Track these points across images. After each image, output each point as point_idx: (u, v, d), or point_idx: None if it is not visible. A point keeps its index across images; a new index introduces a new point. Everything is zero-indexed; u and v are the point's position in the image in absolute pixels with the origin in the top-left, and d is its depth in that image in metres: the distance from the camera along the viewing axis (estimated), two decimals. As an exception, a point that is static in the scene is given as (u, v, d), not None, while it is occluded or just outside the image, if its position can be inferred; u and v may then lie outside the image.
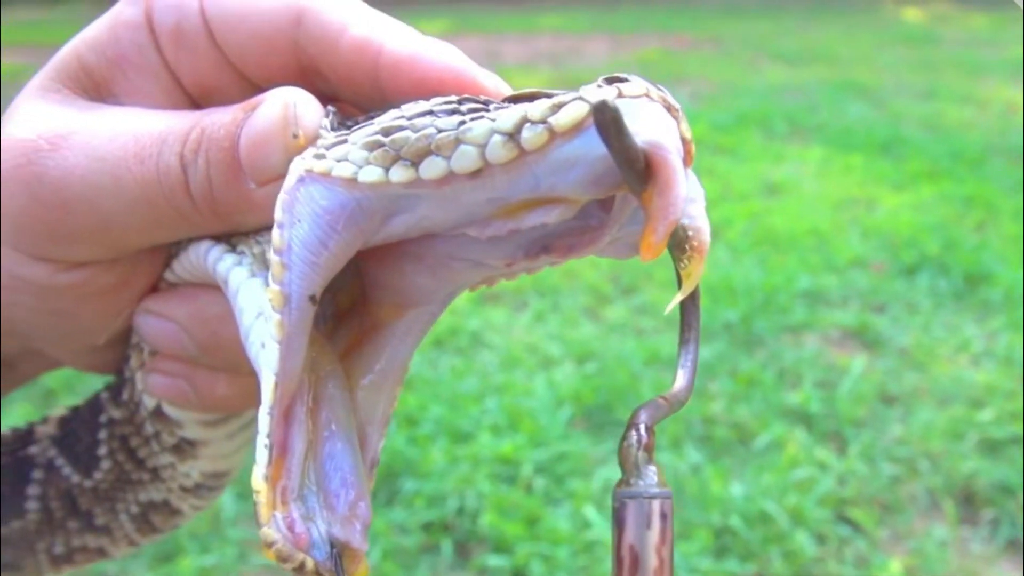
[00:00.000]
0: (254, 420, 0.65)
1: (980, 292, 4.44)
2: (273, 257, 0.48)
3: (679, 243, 0.48)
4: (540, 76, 9.96)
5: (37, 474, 0.69)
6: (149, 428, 0.66)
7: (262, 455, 0.48)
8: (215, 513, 2.88)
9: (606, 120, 0.41)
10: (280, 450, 0.49)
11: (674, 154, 0.44)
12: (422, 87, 0.52)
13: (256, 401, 0.50)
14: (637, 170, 0.43)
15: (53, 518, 0.70)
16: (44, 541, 0.71)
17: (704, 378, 3.63)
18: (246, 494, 3.00)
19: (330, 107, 0.53)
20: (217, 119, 0.53)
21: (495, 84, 0.54)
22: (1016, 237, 4.97)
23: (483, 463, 3.05)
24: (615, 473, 3.06)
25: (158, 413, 0.64)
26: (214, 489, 0.71)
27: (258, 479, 0.47)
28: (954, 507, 2.94)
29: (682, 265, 0.47)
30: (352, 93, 0.56)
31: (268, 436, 0.48)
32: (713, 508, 2.86)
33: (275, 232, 0.48)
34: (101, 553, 0.73)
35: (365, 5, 0.55)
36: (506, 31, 13.99)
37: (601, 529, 2.74)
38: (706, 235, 0.48)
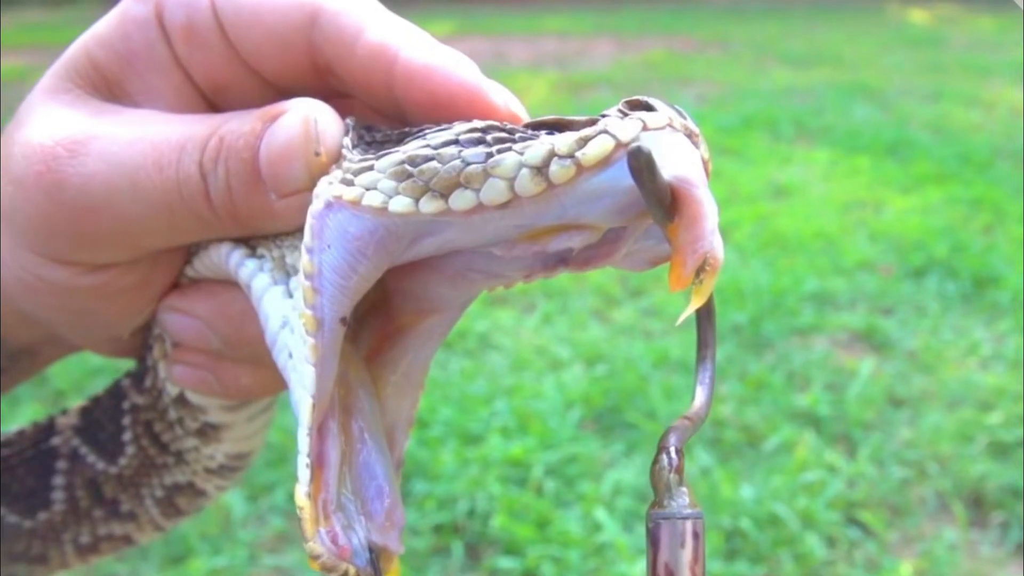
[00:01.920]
0: (274, 402, 0.67)
1: (988, 295, 4.44)
2: (304, 282, 0.49)
3: None
4: (546, 77, 9.97)
5: (62, 464, 0.70)
6: (173, 414, 0.67)
7: (304, 474, 0.50)
8: (225, 515, 2.89)
9: (640, 165, 0.43)
10: (317, 464, 0.51)
11: (702, 188, 0.45)
12: (435, 100, 0.53)
13: (278, 388, 0.51)
14: (664, 206, 0.45)
15: (79, 508, 0.71)
16: (70, 532, 0.72)
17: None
18: (256, 496, 3.01)
19: (349, 120, 0.54)
20: (236, 127, 0.53)
21: (505, 101, 0.54)
22: (1023, 239, 4.97)
23: (493, 465, 3.05)
24: (625, 475, 3.07)
25: (181, 400, 0.66)
26: (237, 469, 0.72)
27: (301, 496, 0.49)
28: (963, 510, 2.94)
29: (696, 281, 0.48)
30: (366, 96, 0.56)
31: (309, 455, 0.50)
32: (723, 510, 2.86)
33: (304, 257, 0.49)
34: (127, 540, 0.74)
35: (382, 8, 0.56)
36: (511, 33, 14.01)
37: (612, 531, 2.74)
38: (719, 252, 0.48)
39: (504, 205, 0.46)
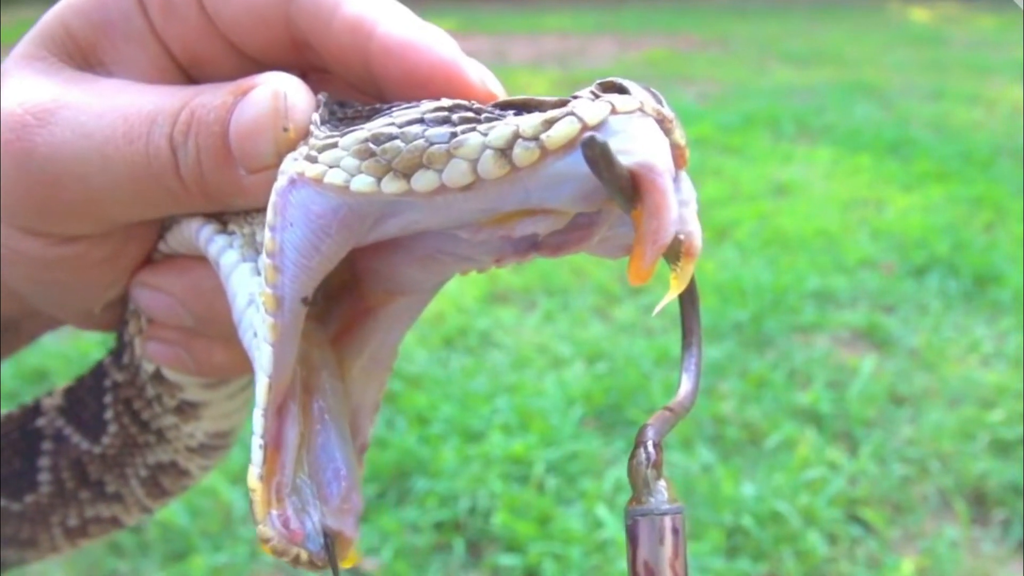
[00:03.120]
0: (253, 380, 0.67)
1: (990, 293, 4.44)
2: (266, 260, 0.48)
3: (672, 248, 0.48)
4: (547, 76, 9.96)
5: (47, 445, 0.70)
6: (150, 391, 0.66)
7: (257, 455, 0.49)
8: (226, 512, 2.89)
9: (595, 155, 0.42)
10: (274, 445, 0.50)
11: (664, 176, 0.44)
12: (411, 76, 0.52)
13: (252, 368, 0.51)
14: (627, 194, 0.44)
15: (65, 489, 0.70)
16: (58, 514, 0.72)
17: (714, 378, 3.64)
18: (258, 493, 3.00)
19: (321, 95, 0.53)
20: (207, 101, 0.52)
21: (482, 78, 0.53)
22: (1025, 238, 4.97)
23: (494, 463, 3.05)
24: (625, 474, 3.08)
25: (158, 376, 0.65)
26: (219, 448, 0.71)
27: (253, 478, 0.49)
28: (965, 507, 2.94)
29: (673, 268, 0.48)
30: (343, 71, 0.55)
31: (262, 436, 0.49)
32: (725, 508, 2.86)
33: (267, 234, 0.48)
34: (115, 523, 0.74)
35: None
36: (513, 31, 14.00)
37: (613, 529, 2.74)
38: (697, 239, 0.48)
39: (467, 187, 0.45)
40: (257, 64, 0.55)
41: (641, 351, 3.80)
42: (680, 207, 0.48)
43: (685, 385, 0.52)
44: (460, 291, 4.42)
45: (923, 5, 17.08)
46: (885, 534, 2.84)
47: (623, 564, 2.75)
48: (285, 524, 0.49)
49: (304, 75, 0.54)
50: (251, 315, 0.51)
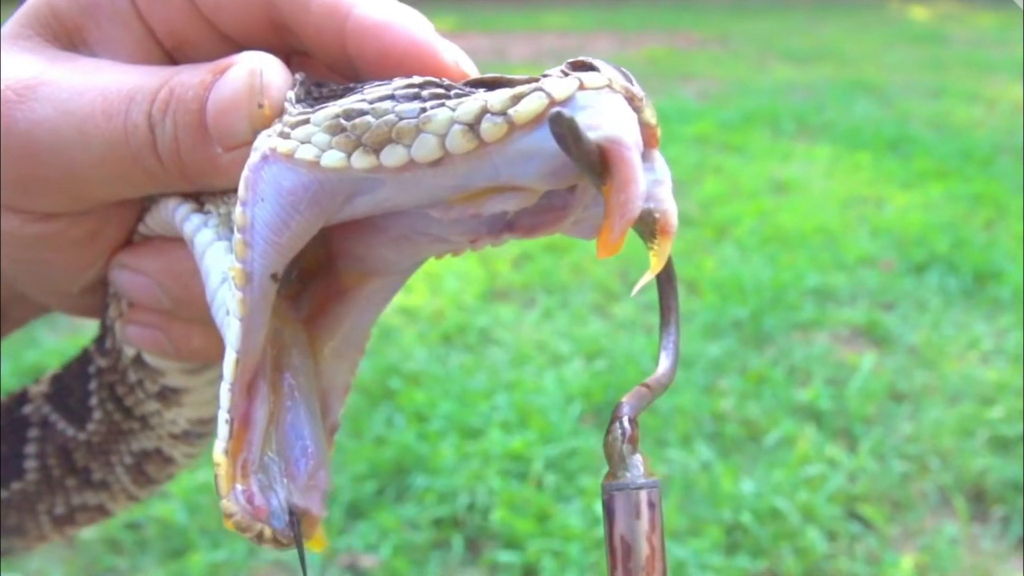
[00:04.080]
0: None
1: (989, 290, 4.43)
2: (236, 235, 0.49)
3: (648, 226, 0.48)
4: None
5: (33, 432, 0.70)
6: (132, 376, 0.66)
7: (223, 430, 0.49)
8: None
9: (562, 130, 0.42)
10: (242, 423, 0.50)
11: (632, 150, 0.44)
12: (386, 57, 0.53)
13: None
14: (596, 169, 0.44)
15: (51, 477, 0.71)
16: (45, 502, 0.72)
17: (714, 375, 3.63)
18: (257, 490, 3.00)
19: (298, 75, 0.53)
20: (187, 79, 0.53)
21: (456, 59, 0.54)
22: (1025, 235, 4.97)
23: (493, 459, 3.05)
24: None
25: (139, 361, 0.65)
26: (203, 435, 0.71)
27: (218, 453, 0.49)
28: (965, 504, 2.94)
29: (651, 247, 0.48)
30: (322, 54, 0.56)
31: (229, 411, 0.49)
32: (724, 505, 2.86)
33: (238, 210, 0.48)
34: (102, 511, 0.74)
35: None
36: (512, 29, 13.99)
37: (612, 525, 2.73)
38: (673, 217, 0.48)
39: (436, 163, 0.46)
40: (240, 47, 0.55)
41: (640, 348, 3.80)
42: (655, 186, 0.48)
43: (664, 363, 0.53)
44: (460, 288, 4.42)
45: (923, 3, 17.08)
46: (884, 531, 2.84)
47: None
48: (249, 500, 0.49)
49: (287, 59, 0.55)
50: (223, 293, 0.51)
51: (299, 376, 0.53)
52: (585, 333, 4.01)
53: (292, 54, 0.57)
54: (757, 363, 3.72)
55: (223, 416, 0.49)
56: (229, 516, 0.48)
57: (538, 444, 3.11)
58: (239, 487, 0.49)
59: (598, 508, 2.85)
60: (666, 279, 0.53)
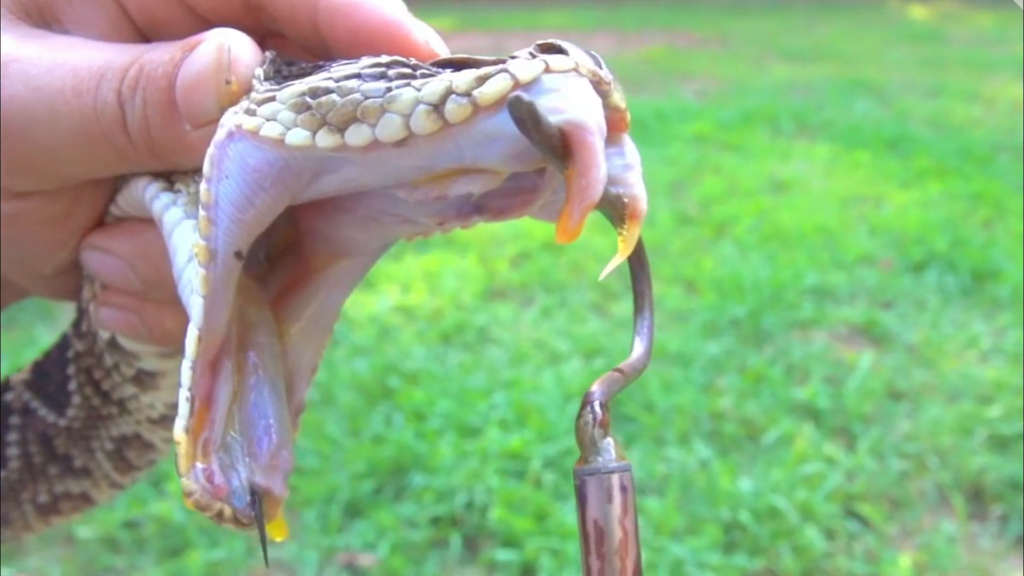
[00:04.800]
0: None
1: (988, 289, 4.43)
2: (200, 212, 0.48)
3: (616, 210, 0.48)
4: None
5: (14, 420, 0.70)
6: (108, 359, 0.66)
7: (183, 407, 0.49)
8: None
9: (521, 114, 0.42)
10: (204, 401, 0.50)
11: (594, 135, 0.44)
12: (357, 35, 0.53)
13: None
14: (558, 152, 0.43)
15: (33, 464, 0.70)
16: (28, 491, 0.72)
17: (712, 374, 3.63)
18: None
19: (269, 52, 0.53)
20: (157, 57, 0.52)
21: (426, 38, 0.53)
22: (1023, 234, 4.97)
23: (492, 458, 3.04)
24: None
25: (114, 344, 0.65)
26: None
27: (179, 431, 0.48)
28: (963, 503, 2.94)
29: (619, 232, 0.47)
30: (295, 33, 0.56)
31: (189, 389, 0.49)
32: (722, 503, 2.85)
33: (203, 186, 0.48)
34: (86, 499, 0.74)
35: None
36: (511, 28, 13.98)
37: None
38: (642, 202, 0.48)
39: (400, 143, 0.45)
40: (213, 26, 0.55)
41: (639, 347, 3.79)
42: (624, 170, 0.48)
43: (638, 348, 0.52)
44: (458, 287, 4.42)
45: (922, 3, 17.07)
46: (883, 529, 2.84)
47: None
48: (209, 479, 0.48)
49: (262, 40, 0.55)
50: (190, 272, 0.51)
51: (264, 356, 0.53)
52: (583, 332, 4.01)
53: (267, 35, 0.56)
54: (755, 362, 3.72)
55: (184, 394, 0.49)
56: (188, 495, 0.48)
57: (536, 443, 3.11)
58: (199, 466, 0.49)
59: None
60: (638, 264, 0.53)
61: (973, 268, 4.59)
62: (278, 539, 0.51)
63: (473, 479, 2.94)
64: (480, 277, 4.54)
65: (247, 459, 0.50)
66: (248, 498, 0.49)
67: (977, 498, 2.99)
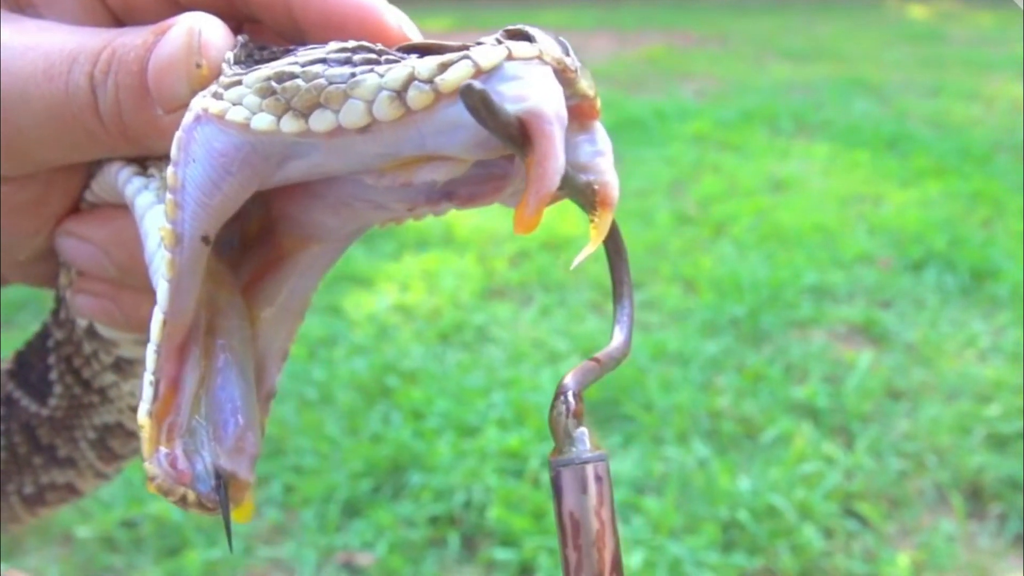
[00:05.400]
0: None
1: (987, 288, 4.43)
2: (167, 196, 0.48)
3: (587, 198, 0.48)
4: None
5: None
6: (87, 347, 0.66)
7: (147, 392, 0.49)
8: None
9: (474, 103, 0.42)
10: (171, 386, 0.50)
11: (553, 124, 0.44)
12: (330, 20, 0.52)
13: None
14: (518, 141, 0.43)
15: (17, 455, 0.70)
16: (14, 482, 0.72)
17: (711, 373, 3.63)
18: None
19: (241, 37, 0.53)
20: (129, 41, 0.52)
21: (398, 22, 0.53)
22: (1022, 233, 4.96)
23: (490, 457, 3.04)
24: (622, 467, 3.06)
25: (91, 332, 0.64)
26: None
27: (142, 415, 0.48)
28: (962, 502, 2.94)
29: (591, 220, 0.47)
30: (270, 18, 0.55)
31: (154, 374, 0.49)
32: (720, 502, 2.85)
33: (170, 170, 0.48)
34: (71, 490, 0.74)
35: None
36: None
37: (608, 523, 2.73)
38: (613, 189, 0.48)
39: (364, 129, 0.45)
40: (188, 11, 0.55)
41: (637, 346, 3.79)
42: (594, 156, 0.48)
43: (617, 337, 0.53)
44: (457, 287, 4.41)
45: (922, 2, 17.07)
46: (881, 528, 2.83)
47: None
48: (172, 464, 0.48)
49: (238, 25, 0.55)
50: (161, 253, 0.51)
51: (234, 340, 0.53)
52: (582, 331, 4.00)
53: (243, 20, 0.56)
54: (754, 361, 3.72)
55: (148, 378, 0.49)
56: (152, 479, 0.48)
57: (535, 442, 3.11)
58: (163, 450, 0.48)
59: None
60: (615, 252, 0.53)
61: (972, 267, 4.59)
62: (243, 521, 0.51)
63: (471, 478, 2.94)
64: (478, 276, 4.54)
65: (213, 443, 0.50)
66: (212, 482, 0.49)
67: (976, 497, 2.99)
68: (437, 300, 4.29)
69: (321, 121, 0.45)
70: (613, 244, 0.53)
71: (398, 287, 4.46)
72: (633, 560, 2.60)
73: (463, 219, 5.00)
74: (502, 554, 2.69)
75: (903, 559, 2.68)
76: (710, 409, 3.37)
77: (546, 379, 3.53)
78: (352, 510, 2.87)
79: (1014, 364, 3.71)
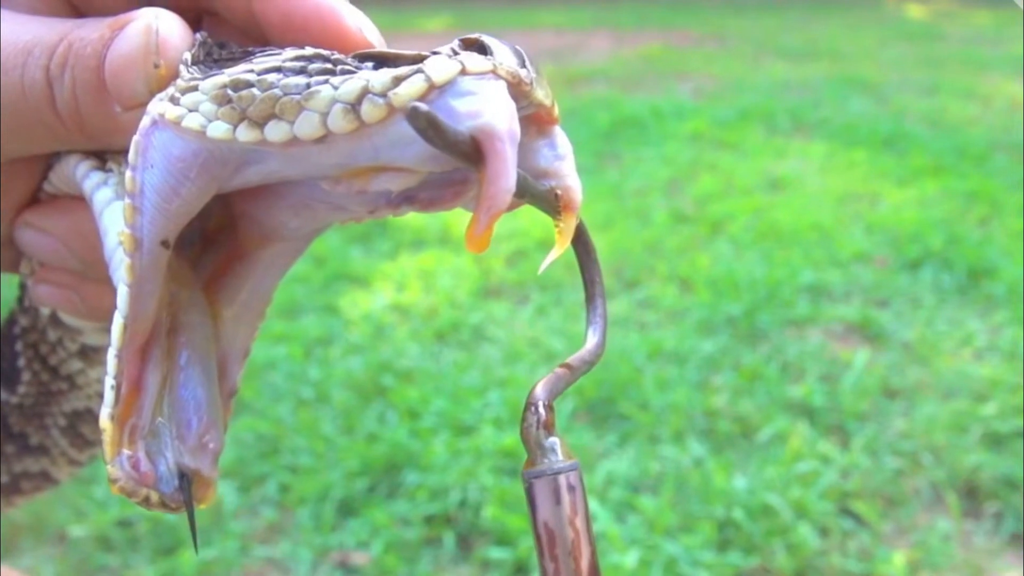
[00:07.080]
0: None
1: (983, 287, 4.43)
2: (126, 200, 0.48)
3: (550, 203, 0.48)
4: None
5: None
6: (51, 335, 0.66)
7: (108, 396, 0.49)
8: (216, 506, 2.88)
9: (421, 125, 0.41)
10: (132, 388, 0.50)
11: (504, 143, 0.43)
12: (290, 20, 0.52)
13: None
14: (470, 157, 0.43)
15: None
16: None
17: (707, 371, 3.63)
18: (247, 487, 2.99)
19: (199, 34, 0.52)
20: (86, 34, 0.51)
21: (359, 25, 0.53)
22: (1019, 232, 4.96)
23: (485, 456, 3.04)
24: (618, 466, 3.05)
25: (55, 319, 0.64)
26: None
27: (104, 418, 0.49)
28: (958, 500, 2.93)
29: (556, 225, 0.48)
30: (230, 15, 0.55)
31: (115, 377, 0.49)
32: (716, 501, 2.85)
33: (128, 174, 0.48)
34: (46, 478, 0.74)
35: None
36: (508, 27, 13.97)
37: (605, 522, 2.73)
38: (576, 193, 0.48)
39: (319, 140, 0.45)
40: (148, 3, 0.54)
41: (634, 345, 3.79)
42: (555, 161, 0.48)
43: (591, 339, 0.53)
44: (453, 286, 4.41)
45: (919, 1, 17.08)
46: (877, 527, 2.83)
47: (615, 557, 2.73)
48: (135, 466, 0.48)
49: (198, 18, 0.54)
50: (120, 255, 0.51)
51: (196, 338, 0.53)
52: (578, 330, 4.00)
53: (204, 13, 0.56)
54: (750, 359, 3.72)
55: (108, 382, 0.49)
56: (114, 482, 0.48)
57: (530, 441, 3.10)
58: (125, 453, 0.49)
59: (590, 505, 2.84)
60: (585, 254, 0.53)
61: (969, 266, 4.59)
62: (202, 507, 0.51)
63: (467, 477, 2.94)
64: (475, 275, 4.54)
65: (176, 441, 0.50)
66: (176, 482, 0.49)
67: (972, 496, 2.99)
68: (433, 299, 4.29)
69: (276, 132, 0.45)
70: (582, 245, 0.53)
71: (394, 286, 4.46)
72: (628, 559, 2.60)
73: (460, 219, 4.99)
74: (497, 553, 2.68)
75: (899, 558, 2.68)
76: (706, 408, 3.37)
77: (542, 378, 3.52)
78: (348, 509, 2.87)
79: (1010, 363, 3.71)
